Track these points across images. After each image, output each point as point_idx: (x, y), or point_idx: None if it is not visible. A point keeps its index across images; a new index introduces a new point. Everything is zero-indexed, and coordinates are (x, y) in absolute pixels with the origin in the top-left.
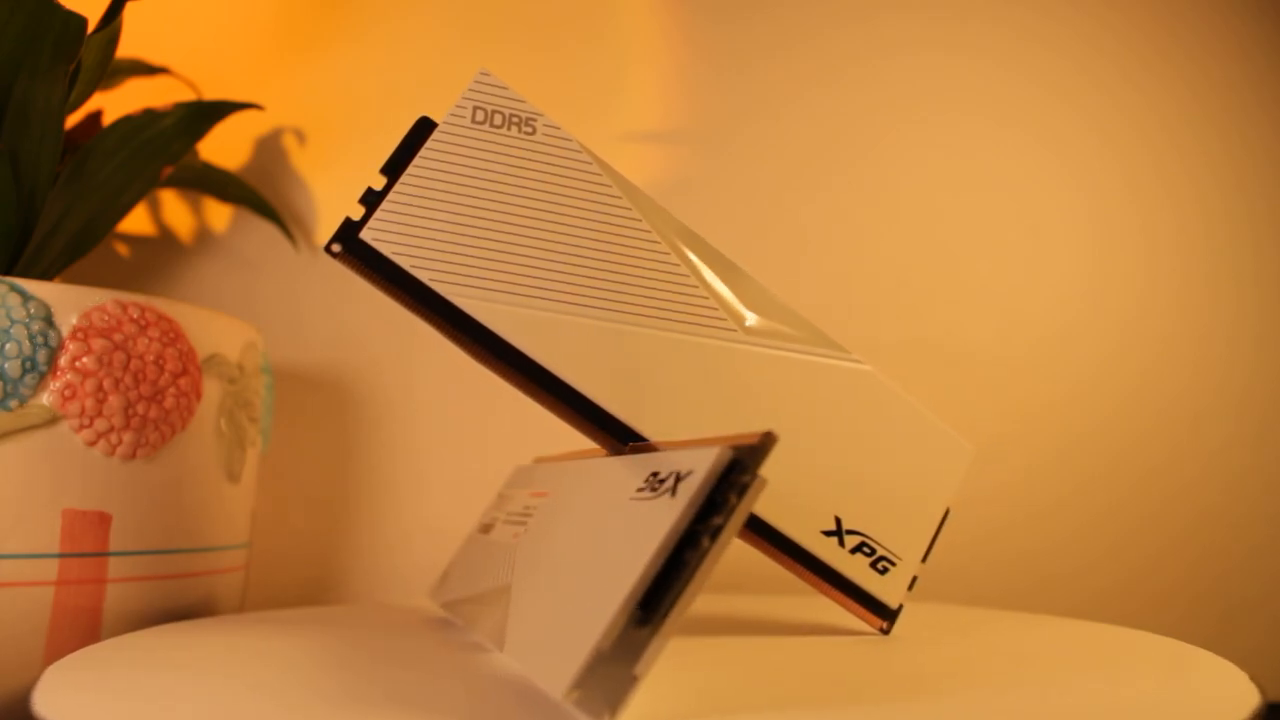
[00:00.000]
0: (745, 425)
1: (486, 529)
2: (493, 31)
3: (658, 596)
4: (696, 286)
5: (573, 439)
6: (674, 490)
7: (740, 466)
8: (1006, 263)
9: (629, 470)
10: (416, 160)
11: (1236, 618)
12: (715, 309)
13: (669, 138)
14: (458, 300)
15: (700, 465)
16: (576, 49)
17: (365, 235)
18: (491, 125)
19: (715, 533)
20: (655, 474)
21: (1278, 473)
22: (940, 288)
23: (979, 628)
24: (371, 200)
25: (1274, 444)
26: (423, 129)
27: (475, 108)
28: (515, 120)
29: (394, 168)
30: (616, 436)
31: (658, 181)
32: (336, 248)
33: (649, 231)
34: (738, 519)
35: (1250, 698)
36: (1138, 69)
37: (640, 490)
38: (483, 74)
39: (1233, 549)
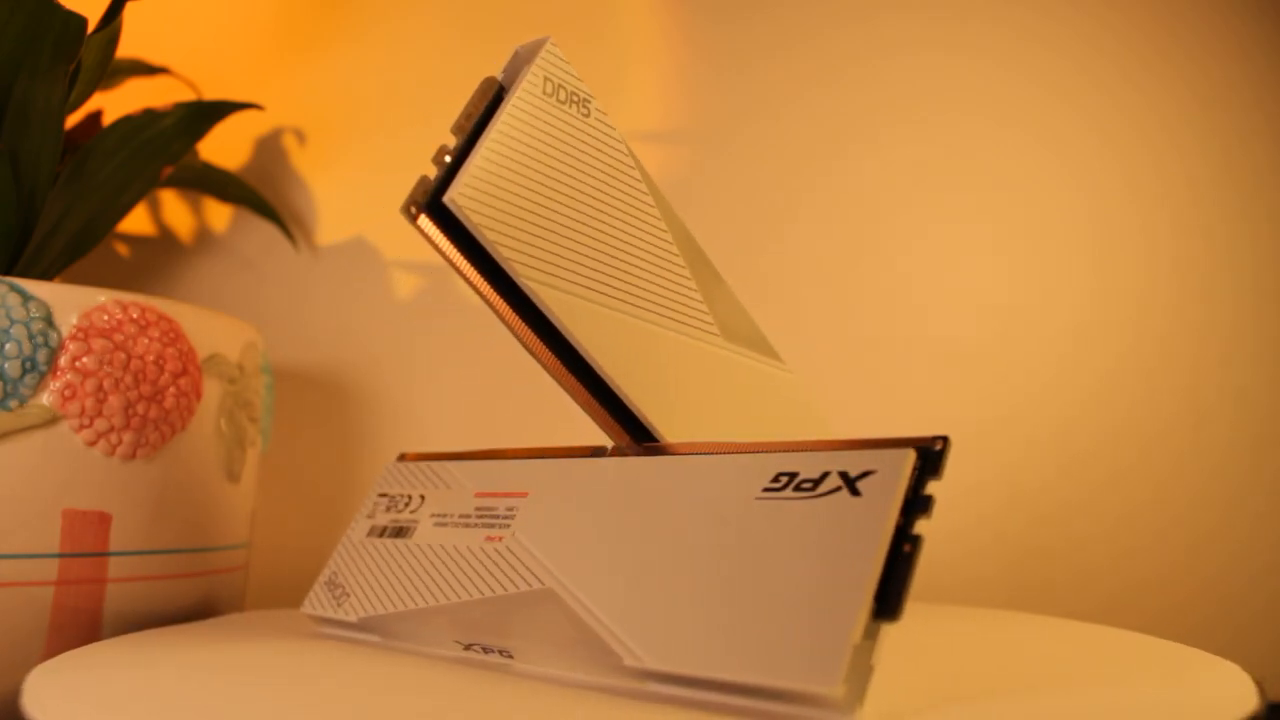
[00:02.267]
0: (732, 426)
1: (399, 532)
2: (493, 31)
3: (882, 590)
4: (695, 291)
5: (566, 436)
6: (853, 489)
7: (924, 467)
8: (1007, 263)
9: (730, 470)
10: (500, 122)
11: (1238, 619)
12: (707, 314)
13: (669, 138)
14: (527, 282)
15: (886, 465)
16: (576, 49)
17: (451, 198)
18: (557, 100)
19: (913, 524)
20: (791, 475)
21: (1279, 472)
22: (940, 288)
23: (981, 629)
24: (450, 160)
25: (1275, 444)
26: (492, 90)
27: (545, 78)
28: (575, 99)
29: (468, 128)
30: (630, 433)
31: (657, 181)
32: (415, 210)
33: (665, 233)
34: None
35: (1251, 697)
36: (1138, 69)
37: (769, 490)
38: (550, 43)
39: (1234, 549)
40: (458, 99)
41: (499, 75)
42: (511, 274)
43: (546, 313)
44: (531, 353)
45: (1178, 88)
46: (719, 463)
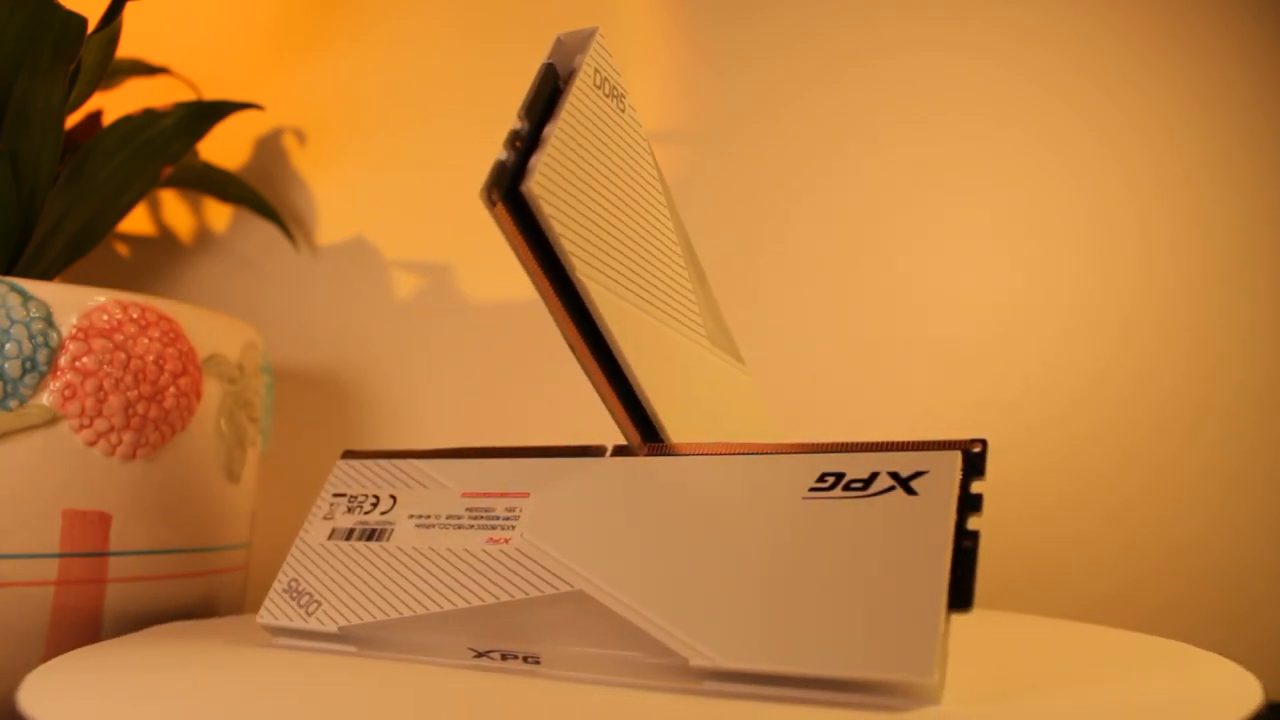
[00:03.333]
0: (715, 427)
1: (373, 535)
2: (493, 31)
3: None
4: (692, 293)
5: (565, 436)
6: (908, 488)
7: (968, 467)
8: (1006, 263)
9: (770, 471)
10: (564, 112)
11: (1239, 618)
12: (698, 316)
13: (669, 138)
14: (581, 277)
15: (937, 465)
16: None
17: (529, 188)
18: (603, 94)
19: (966, 521)
20: (837, 475)
21: (1276, 471)
22: (940, 288)
23: (981, 630)
24: (522, 144)
25: (1270, 442)
26: (551, 78)
27: (595, 69)
28: (615, 93)
29: (536, 113)
30: (642, 432)
31: None
32: (495, 198)
33: (673, 234)
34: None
35: (1255, 696)
36: (1138, 69)
37: (817, 490)
38: (599, 33)
39: (1234, 549)
40: (458, 99)
41: (550, 61)
42: (568, 267)
43: (591, 309)
44: (571, 346)
45: (1178, 88)
46: (755, 463)
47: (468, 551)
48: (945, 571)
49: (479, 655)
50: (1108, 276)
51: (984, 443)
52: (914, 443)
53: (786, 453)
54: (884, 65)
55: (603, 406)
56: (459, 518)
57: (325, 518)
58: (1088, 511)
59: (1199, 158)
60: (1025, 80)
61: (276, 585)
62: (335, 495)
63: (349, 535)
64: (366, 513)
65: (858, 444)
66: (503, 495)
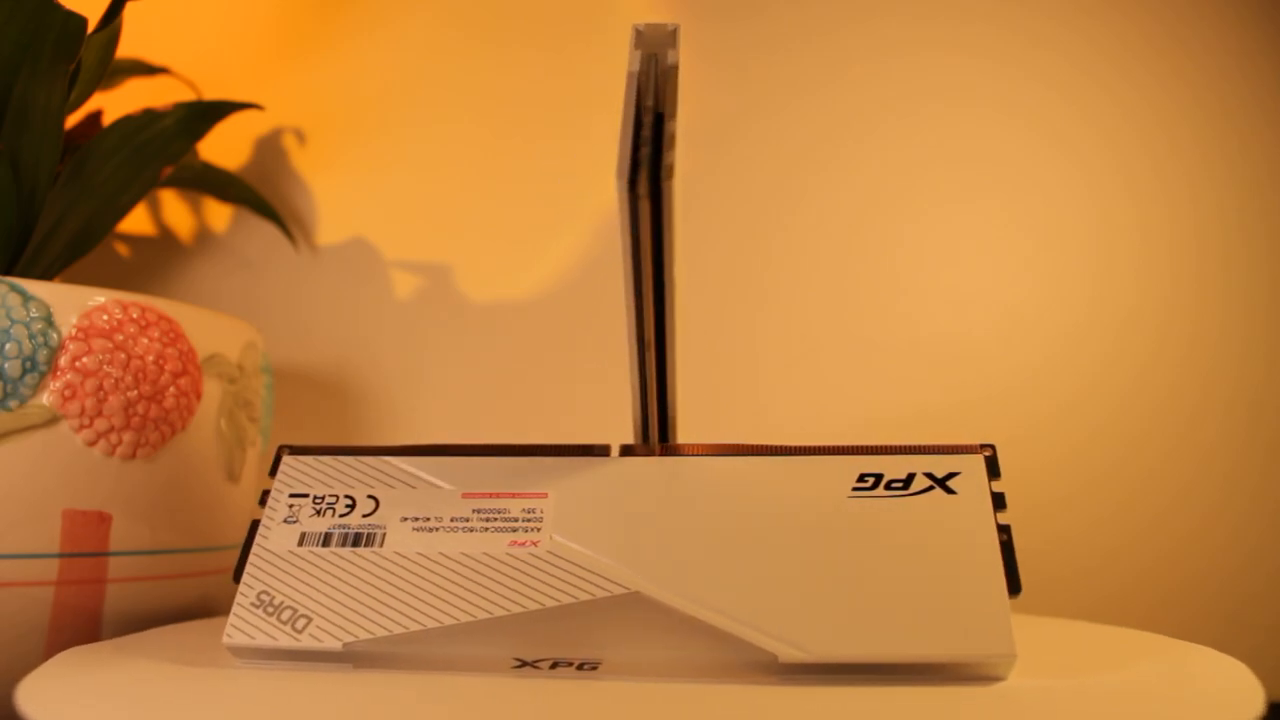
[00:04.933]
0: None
1: (359, 540)
2: (493, 31)
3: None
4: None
5: (564, 435)
6: (945, 487)
7: (989, 469)
8: (1007, 263)
9: (808, 471)
10: (677, 105)
11: (1235, 616)
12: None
13: None
14: (671, 275)
15: (968, 467)
16: (576, 49)
17: (671, 185)
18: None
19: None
20: (876, 476)
21: (1274, 470)
22: (940, 288)
23: None
24: (655, 134)
25: (1267, 442)
26: (655, 72)
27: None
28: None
29: (651, 105)
30: (660, 433)
31: None
32: (645, 189)
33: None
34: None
35: (1256, 694)
36: (1139, 69)
37: (859, 490)
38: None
39: (1230, 548)
40: (458, 99)
41: (652, 53)
42: (667, 265)
43: (668, 308)
44: (644, 344)
45: (1178, 87)
46: (790, 464)
47: (489, 556)
48: (999, 560)
49: (523, 665)
50: (1110, 277)
51: (993, 447)
52: (934, 446)
53: (815, 454)
54: (884, 65)
55: (597, 406)
56: (465, 520)
57: (287, 521)
58: (1085, 511)
59: (1199, 157)
60: (1026, 79)
61: (242, 600)
62: (294, 496)
63: (326, 541)
64: (343, 515)
65: (880, 447)
66: (515, 496)
